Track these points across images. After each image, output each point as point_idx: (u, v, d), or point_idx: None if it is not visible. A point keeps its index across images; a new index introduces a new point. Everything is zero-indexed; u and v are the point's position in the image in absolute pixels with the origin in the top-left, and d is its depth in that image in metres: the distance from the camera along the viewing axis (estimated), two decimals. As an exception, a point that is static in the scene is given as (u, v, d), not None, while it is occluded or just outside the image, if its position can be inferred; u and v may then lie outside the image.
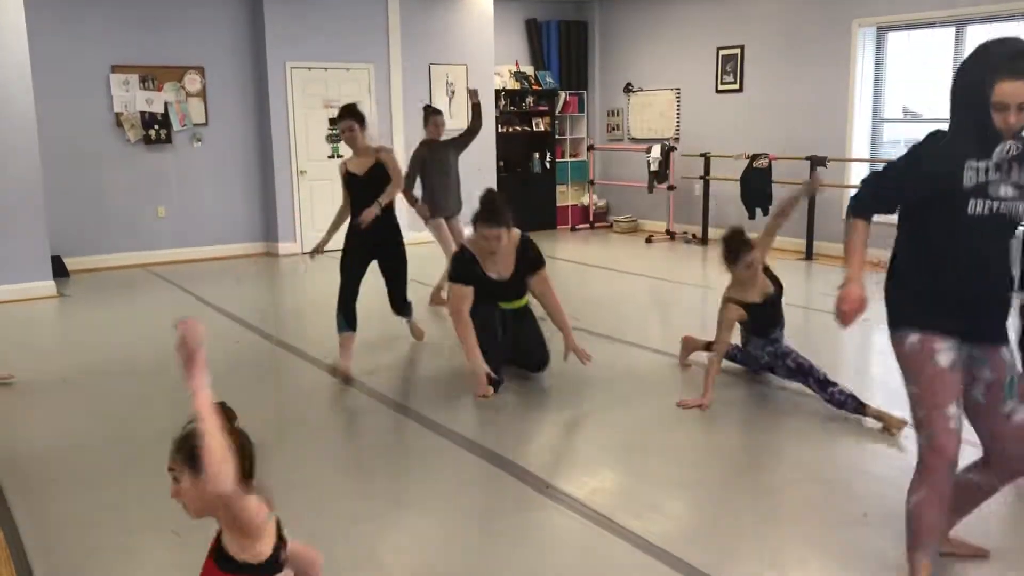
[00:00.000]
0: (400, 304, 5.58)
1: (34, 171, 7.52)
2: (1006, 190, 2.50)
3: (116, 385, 5.13)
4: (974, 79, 2.46)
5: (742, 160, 9.71)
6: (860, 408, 4.25)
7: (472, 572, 2.99)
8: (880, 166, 9.70)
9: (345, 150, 5.58)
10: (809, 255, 9.19)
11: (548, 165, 11.97)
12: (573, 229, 11.99)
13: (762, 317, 4.68)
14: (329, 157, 10.10)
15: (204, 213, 9.71)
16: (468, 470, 3.89)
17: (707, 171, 10.32)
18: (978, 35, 8.17)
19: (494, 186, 11.22)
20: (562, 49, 12.06)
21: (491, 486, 3.72)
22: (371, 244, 5.31)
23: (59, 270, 8.31)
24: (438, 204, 7.05)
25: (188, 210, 9.62)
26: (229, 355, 5.64)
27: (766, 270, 4.82)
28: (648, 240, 10.71)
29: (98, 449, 4.13)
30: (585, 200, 12.26)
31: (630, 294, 7.67)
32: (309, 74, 9.86)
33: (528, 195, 11.76)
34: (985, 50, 2.47)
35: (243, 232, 9.96)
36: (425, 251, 7.51)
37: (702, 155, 10.34)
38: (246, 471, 1.90)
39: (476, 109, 7.11)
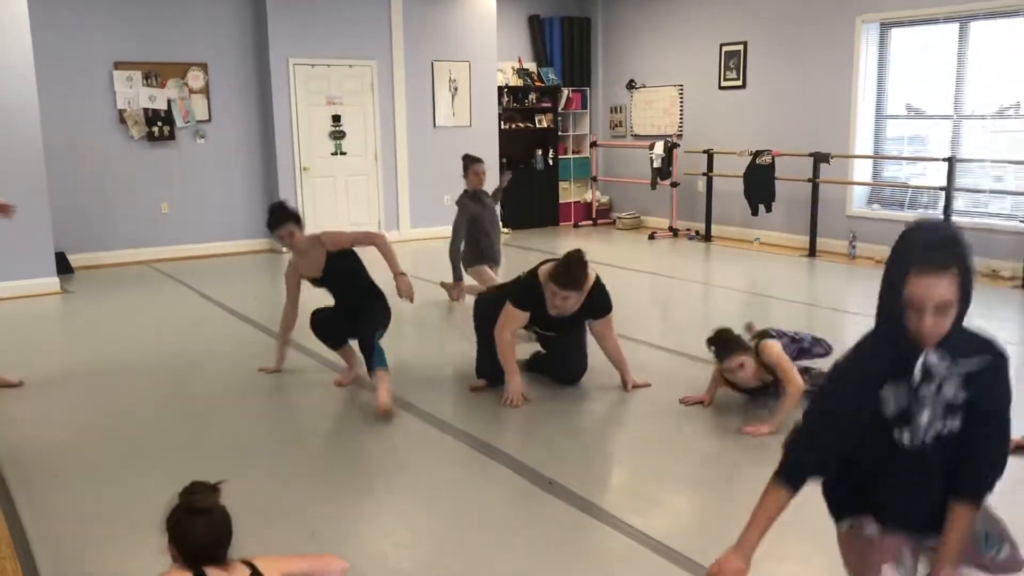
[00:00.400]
0: (365, 347, 4.64)
1: (38, 167, 7.53)
2: (932, 415, 2.06)
3: (119, 381, 5.14)
4: (890, 274, 2.01)
5: (745, 157, 9.70)
6: None
7: (473, 567, 2.99)
8: (882, 162, 9.53)
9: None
10: (812, 252, 9.18)
11: (551, 162, 11.96)
12: (576, 226, 11.99)
13: (758, 393, 4.46)
14: (332, 154, 10.11)
15: (207, 210, 9.72)
16: (468, 465, 3.89)
17: (710, 168, 10.31)
18: (982, 31, 8.15)
19: (497, 183, 11.25)
20: (565, 46, 12.05)
21: (493, 482, 3.72)
22: (347, 323, 4.85)
23: (63, 266, 8.33)
24: (484, 254, 6.82)
25: (191, 207, 9.63)
26: (239, 363, 5.64)
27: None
28: (651, 237, 10.71)
29: (101, 444, 4.14)
30: (588, 197, 12.25)
31: (633, 291, 7.67)
32: (312, 71, 9.86)
33: (531, 192, 11.76)
34: (904, 235, 2.00)
35: (246, 229, 9.97)
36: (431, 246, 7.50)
37: (705, 151, 10.33)
38: (222, 552, 2.14)
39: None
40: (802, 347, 4.50)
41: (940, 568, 2.09)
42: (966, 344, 2.05)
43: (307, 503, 3.49)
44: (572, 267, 4.32)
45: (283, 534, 3.23)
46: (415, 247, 10.27)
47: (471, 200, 6.79)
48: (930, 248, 1.93)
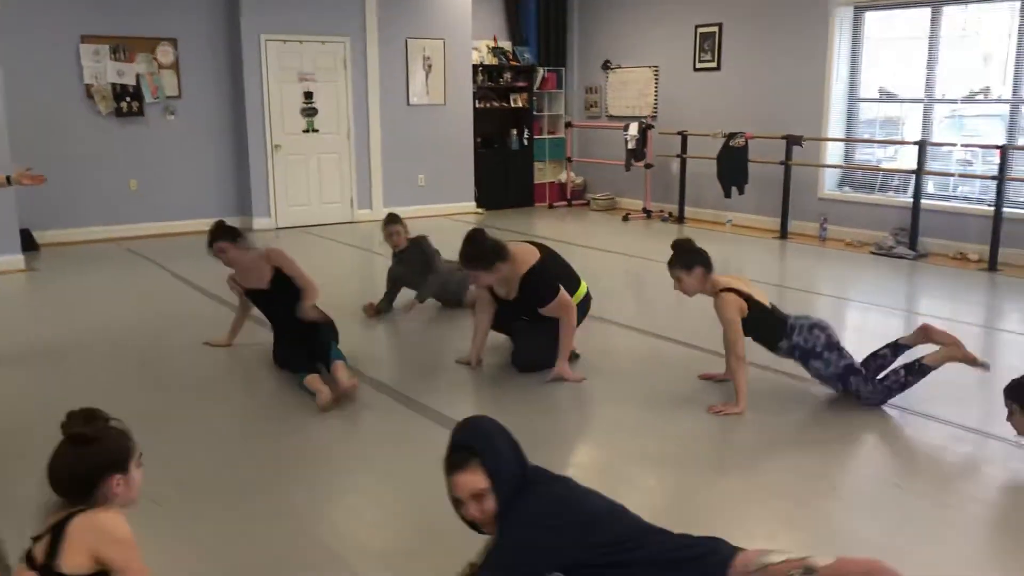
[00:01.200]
0: (323, 356, 4.64)
1: (1, 143, 7.38)
2: None
3: (86, 360, 5.07)
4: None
5: (719, 139, 9.72)
6: (923, 369, 4.07)
7: (445, 547, 3.00)
8: (854, 145, 9.66)
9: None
10: (784, 234, 9.24)
11: (526, 142, 11.93)
12: (551, 206, 11.98)
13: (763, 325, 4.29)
14: (304, 132, 10.01)
15: (177, 187, 9.59)
16: (442, 447, 3.88)
17: (684, 149, 10.33)
18: (955, 16, 8.21)
19: (471, 162, 11.21)
20: (540, 25, 11.98)
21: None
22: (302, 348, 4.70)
23: (28, 244, 8.20)
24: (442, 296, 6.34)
25: (161, 184, 9.50)
26: (206, 336, 5.59)
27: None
28: (625, 218, 10.72)
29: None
30: (563, 177, 12.24)
31: (606, 272, 7.68)
32: (284, 47, 9.74)
33: (505, 172, 11.73)
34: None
35: (217, 206, 9.85)
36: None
37: (679, 133, 10.34)
38: (123, 464, 2.04)
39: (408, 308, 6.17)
40: (846, 368, 4.16)
41: None
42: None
43: (277, 483, 3.47)
44: (465, 247, 4.51)
45: (251, 513, 3.22)
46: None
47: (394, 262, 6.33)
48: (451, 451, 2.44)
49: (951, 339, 4.15)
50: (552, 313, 4.61)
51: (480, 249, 4.51)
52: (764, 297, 4.33)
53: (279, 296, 4.76)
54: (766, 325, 4.25)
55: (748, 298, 4.22)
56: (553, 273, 4.69)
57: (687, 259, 4.27)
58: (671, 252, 4.32)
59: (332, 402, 4.23)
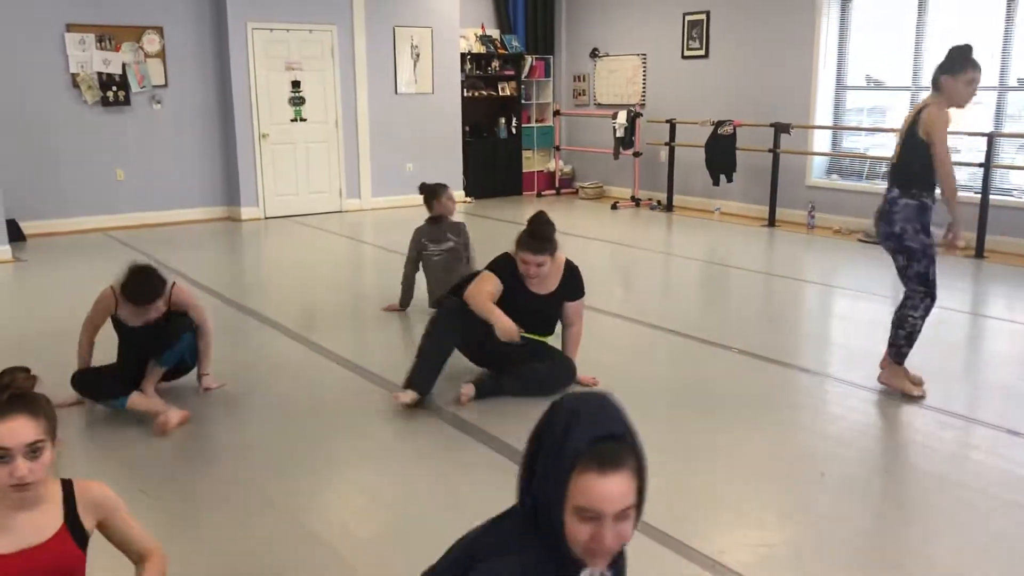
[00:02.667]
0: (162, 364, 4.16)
1: (-13, 132, 7.33)
2: None
3: (73, 351, 5.05)
4: (548, 462, 1.51)
5: (707, 127, 9.73)
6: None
7: (432, 533, 3.00)
8: (841, 133, 9.64)
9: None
10: (772, 222, 9.27)
11: (514, 130, 11.91)
12: (539, 195, 11.97)
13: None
14: (292, 121, 9.96)
15: (164, 177, 9.54)
16: (428, 434, 3.90)
17: (672, 138, 10.33)
18: (941, 3, 8.23)
19: (460, 151, 11.19)
20: (528, 13, 11.95)
21: (452, 450, 3.73)
22: (140, 352, 4.17)
23: (14, 234, 8.15)
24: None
25: (148, 173, 9.45)
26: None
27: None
28: (613, 207, 10.73)
29: (56, 413, 4.07)
30: (551, 166, 12.23)
31: (595, 261, 7.69)
32: (271, 35, 9.68)
33: (494, 160, 11.72)
34: (570, 418, 1.51)
35: (204, 196, 9.82)
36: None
37: (668, 121, 10.34)
38: (51, 432, 1.86)
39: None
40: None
41: None
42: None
43: (266, 472, 3.48)
44: (541, 228, 4.11)
45: (239, 503, 3.22)
46: (377, 216, 10.21)
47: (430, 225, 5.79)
48: (601, 444, 1.49)
49: None
50: (576, 311, 4.35)
51: (553, 231, 4.12)
52: None
53: (151, 340, 4.12)
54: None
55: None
56: None
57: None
58: (963, 55, 4.04)
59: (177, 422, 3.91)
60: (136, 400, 3.97)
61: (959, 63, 3.99)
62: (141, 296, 3.98)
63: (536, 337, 4.34)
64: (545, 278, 4.22)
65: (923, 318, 4.16)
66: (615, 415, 1.53)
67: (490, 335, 4.09)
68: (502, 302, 4.15)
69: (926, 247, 4.12)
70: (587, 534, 1.46)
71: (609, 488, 1.46)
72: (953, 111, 4.06)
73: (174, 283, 4.18)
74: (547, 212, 4.24)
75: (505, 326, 4.04)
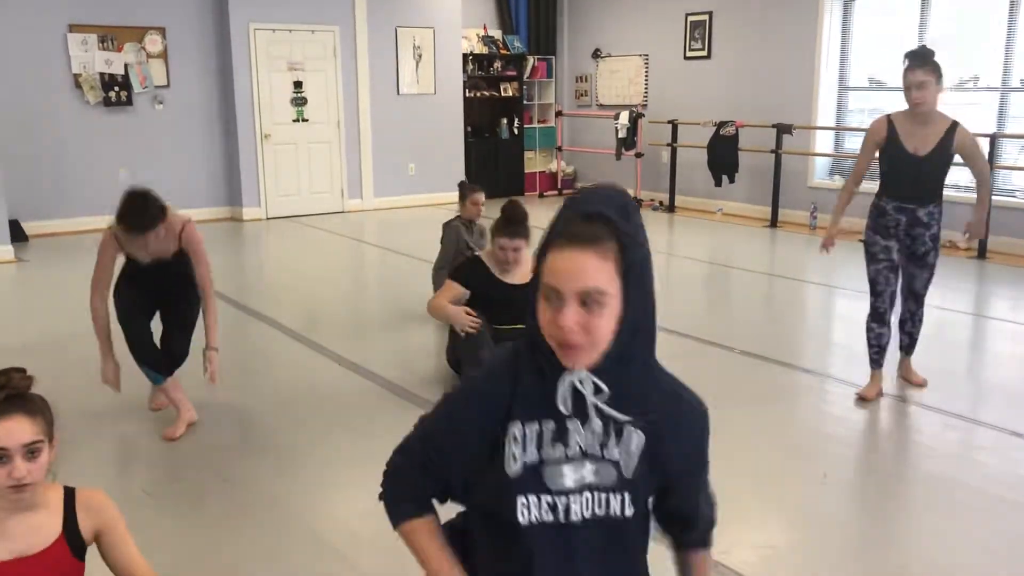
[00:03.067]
0: (175, 355, 3.99)
1: (-11, 133, 7.34)
2: (579, 474, 1.40)
3: (77, 351, 5.06)
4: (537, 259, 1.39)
5: (709, 127, 9.73)
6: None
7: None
8: (844, 134, 9.61)
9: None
10: (774, 222, 9.26)
11: (516, 131, 11.91)
12: (541, 195, 11.97)
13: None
14: (294, 121, 9.96)
15: (166, 177, 9.50)
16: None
17: (674, 138, 10.33)
18: (944, 3, 8.22)
19: (462, 152, 11.19)
20: (531, 13, 11.95)
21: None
22: (155, 296, 4.01)
23: (17, 235, 8.15)
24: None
25: (150, 174, 9.40)
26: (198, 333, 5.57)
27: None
28: (615, 207, 10.71)
29: (59, 415, 4.07)
30: (553, 166, 12.23)
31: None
32: (273, 36, 9.69)
33: (496, 161, 11.71)
34: (568, 202, 1.41)
35: (206, 196, 9.82)
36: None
37: (670, 122, 10.34)
38: (49, 433, 1.84)
39: None
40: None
41: None
42: (652, 385, 1.46)
43: (269, 473, 3.48)
44: (515, 213, 4.20)
45: (243, 503, 3.22)
46: (379, 216, 10.21)
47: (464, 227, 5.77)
48: (570, 223, 1.34)
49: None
50: None
51: (526, 217, 4.17)
52: None
53: (164, 282, 3.95)
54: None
55: None
56: None
57: (938, 68, 3.94)
58: (922, 55, 3.99)
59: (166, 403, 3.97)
60: (171, 387, 3.91)
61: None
62: (139, 222, 3.65)
63: (518, 327, 4.33)
64: (520, 266, 4.25)
65: (867, 323, 4.18)
66: (609, 197, 1.38)
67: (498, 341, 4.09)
68: (478, 301, 4.20)
69: (867, 247, 4.17)
70: (549, 317, 1.33)
71: (568, 263, 1.30)
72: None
73: (190, 220, 3.90)
74: (525, 205, 4.28)
75: (458, 319, 4.11)
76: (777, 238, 8.79)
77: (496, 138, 11.81)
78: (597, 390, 1.36)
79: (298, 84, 9.92)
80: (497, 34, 11.84)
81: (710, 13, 10.12)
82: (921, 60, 3.86)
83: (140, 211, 3.68)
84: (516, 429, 1.39)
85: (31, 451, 1.77)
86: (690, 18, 10.35)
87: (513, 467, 1.39)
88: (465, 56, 11.21)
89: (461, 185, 5.92)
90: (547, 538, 1.40)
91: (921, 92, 3.86)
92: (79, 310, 5.99)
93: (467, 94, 11.28)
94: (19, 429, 1.75)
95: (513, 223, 4.18)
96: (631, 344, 1.38)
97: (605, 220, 1.33)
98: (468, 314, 4.11)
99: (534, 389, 1.39)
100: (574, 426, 1.39)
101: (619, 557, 1.46)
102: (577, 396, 1.37)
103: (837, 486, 3.35)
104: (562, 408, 1.37)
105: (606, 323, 1.33)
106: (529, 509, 1.39)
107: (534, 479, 1.39)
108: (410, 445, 1.57)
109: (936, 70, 3.84)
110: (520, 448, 1.39)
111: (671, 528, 1.61)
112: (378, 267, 8.01)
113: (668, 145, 10.42)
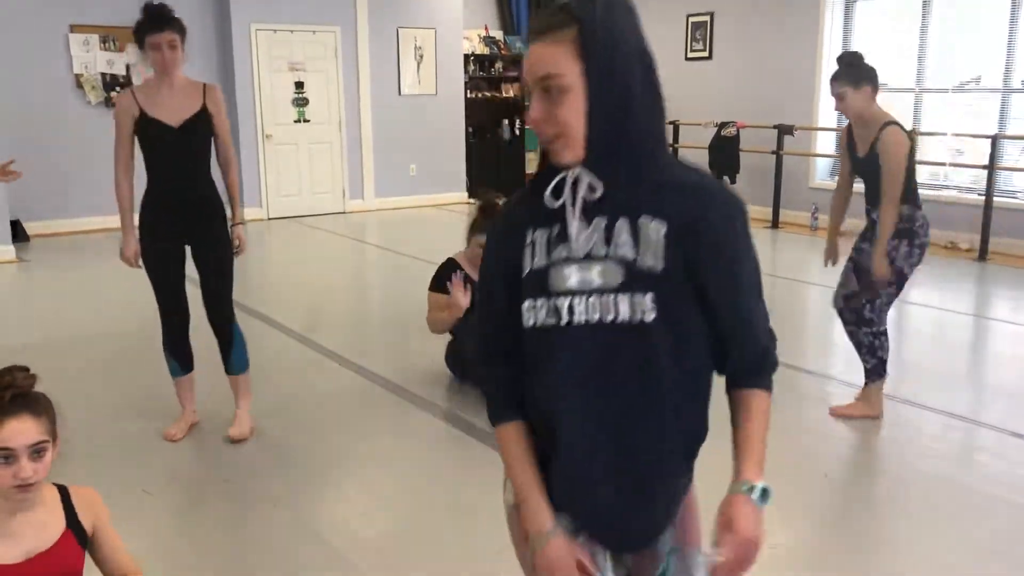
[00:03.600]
0: (222, 317, 3.78)
1: (-9, 133, 7.34)
2: (584, 275, 1.33)
3: (78, 350, 5.06)
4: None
5: (710, 128, 9.73)
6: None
7: (437, 534, 3.01)
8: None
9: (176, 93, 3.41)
10: (775, 223, 9.26)
11: (517, 132, 11.90)
12: (542, 196, 11.96)
13: None
14: (295, 121, 9.97)
15: (168, 177, 9.54)
16: (432, 434, 3.90)
17: (676, 139, 10.32)
18: (946, 3, 8.22)
19: (463, 152, 11.19)
20: (532, 14, 11.94)
21: (456, 449, 3.73)
22: (181, 225, 3.66)
23: (18, 234, 8.16)
24: None
25: (151, 174, 9.44)
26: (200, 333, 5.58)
27: None
28: (616, 208, 10.71)
29: (61, 414, 4.07)
30: (554, 167, 12.21)
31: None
32: (274, 36, 9.69)
33: (497, 162, 11.71)
34: None
35: (208, 197, 9.81)
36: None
37: (671, 123, 10.33)
38: (52, 432, 1.84)
39: None
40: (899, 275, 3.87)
41: (747, 472, 1.44)
42: (665, 172, 1.37)
43: (269, 473, 3.48)
44: (490, 210, 4.21)
45: (245, 503, 3.22)
46: (380, 217, 10.21)
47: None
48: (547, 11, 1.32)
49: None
50: None
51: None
52: None
53: (187, 147, 3.68)
54: (908, 177, 3.80)
55: (912, 143, 3.80)
56: None
57: (855, 73, 3.80)
58: (838, 69, 3.85)
59: (185, 433, 3.81)
60: (184, 384, 3.84)
61: None
62: (158, 14, 3.50)
63: None
64: None
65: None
66: None
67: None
68: None
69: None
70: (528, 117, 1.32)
71: (528, 58, 1.31)
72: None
73: (216, 86, 3.75)
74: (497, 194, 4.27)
75: (454, 304, 4.06)
76: (778, 239, 8.79)
77: (497, 139, 11.80)
78: (591, 188, 1.32)
79: (299, 85, 9.92)
80: (498, 35, 11.84)
81: (711, 14, 10.12)
82: (835, 74, 3.86)
83: (158, 8, 3.54)
84: (529, 237, 1.38)
85: (36, 451, 1.77)
86: (691, 19, 10.35)
87: (524, 273, 1.38)
88: (466, 57, 11.21)
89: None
90: (557, 344, 1.35)
91: (841, 103, 3.87)
92: (80, 310, 6.02)
93: (468, 95, 11.28)
94: (25, 430, 1.75)
95: (490, 219, 4.18)
96: (617, 134, 1.31)
97: (563, 6, 1.29)
98: (457, 288, 4.06)
99: (543, 199, 1.36)
100: (577, 227, 1.33)
101: (642, 371, 1.34)
102: (575, 194, 1.33)
103: (838, 486, 3.34)
104: (547, 203, 1.34)
105: (567, 110, 1.29)
106: (535, 312, 1.36)
107: (539, 282, 1.36)
108: (481, 346, 1.52)
109: (851, 78, 3.80)
110: (530, 254, 1.37)
111: (720, 362, 1.44)
112: (379, 267, 8.01)
113: (670, 146, 10.39)
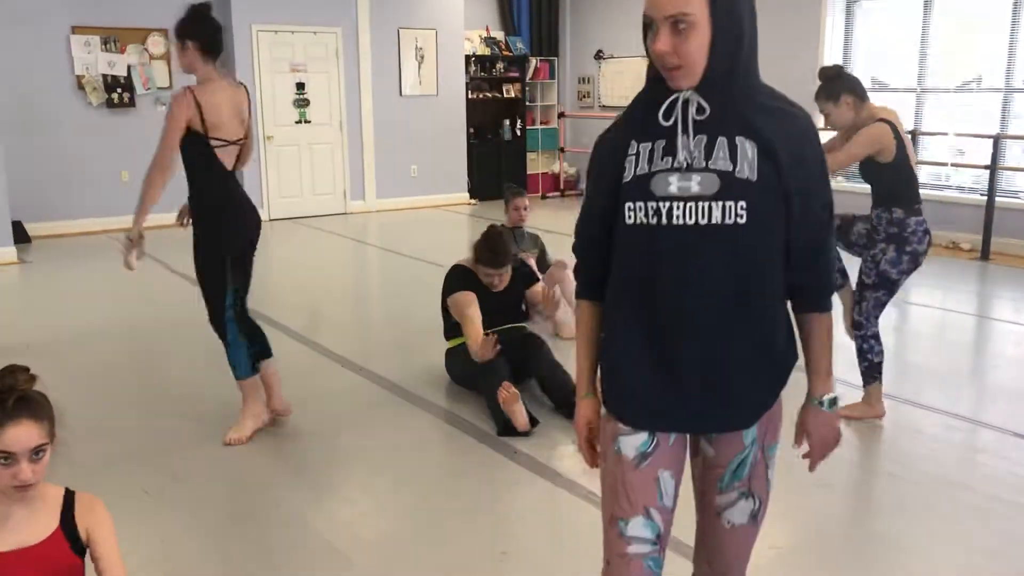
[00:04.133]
0: (210, 320, 3.89)
1: (-8, 134, 7.35)
2: (684, 183, 1.52)
3: (80, 352, 5.07)
4: None
5: (712, 128, 9.72)
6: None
7: (438, 535, 3.01)
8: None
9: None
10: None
11: (518, 132, 11.91)
12: (543, 197, 11.96)
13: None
14: (296, 122, 9.97)
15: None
16: (433, 435, 3.90)
17: (677, 139, 10.32)
18: (947, 4, 8.21)
19: (464, 153, 11.19)
20: (533, 15, 11.95)
21: (457, 452, 3.73)
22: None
23: (20, 236, 8.16)
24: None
25: (153, 175, 9.45)
26: (202, 332, 5.59)
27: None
28: (618, 208, 10.70)
29: (63, 415, 4.07)
30: (555, 168, 12.22)
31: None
32: (275, 37, 9.69)
33: (498, 162, 11.71)
34: None
35: (209, 198, 9.82)
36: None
37: (672, 123, 10.33)
38: (51, 433, 1.84)
39: None
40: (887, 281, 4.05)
41: (817, 388, 1.77)
42: (757, 98, 1.59)
43: (270, 473, 3.48)
44: (497, 244, 4.28)
45: (246, 504, 3.22)
46: (381, 218, 10.21)
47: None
48: None
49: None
50: (535, 293, 4.51)
51: (505, 248, 4.32)
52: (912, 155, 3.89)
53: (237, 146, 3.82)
54: (905, 180, 3.81)
55: (900, 139, 3.74)
56: None
57: (831, 88, 3.80)
58: (819, 87, 3.85)
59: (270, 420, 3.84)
60: (250, 386, 3.78)
61: None
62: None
63: (516, 326, 4.49)
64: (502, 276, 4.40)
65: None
66: None
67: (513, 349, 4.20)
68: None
69: None
70: (650, 46, 1.51)
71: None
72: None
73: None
74: (499, 228, 4.48)
75: (481, 351, 3.98)
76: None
77: (499, 139, 11.81)
78: (700, 109, 1.52)
79: (300, 85, 9.93)
80: (499, 35, 11.84)
81: (712, 14, 10.11)
82: (816, 94, 3.89)
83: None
84: (633, 149, 1.58)
85: (36, 453, 1.78)
86: (692, 19, 10.34)
87: (626, 179, 1.57)
88: (467, 57, 11.22)
89: (506, 189, 5.84)
90: (657, 237, 1.54)
91: (829, 119, 3.93)
92: (83, 311, 6.02)
93: (469, 95, 11.29)
94: (26, 435, 1.77)
95: (498, 254, 4.28)
96: (728, 65, 1.52)
97: None
98: (487, 346, 3.98)
99: (649, 116, 1.56)
100: (683, 141, 1.53)
101: (737, 268, 1.54)
102: (685, 114, 1.53)
103: (839, 487, 3.34)
104: (662, 121, 1.54)
105: (695, 45, 1.49)
106: (635, 212, 1.56)
107: (642, 187, 1.55)
108: (577, 236, 1.74)
109: (829, 94, 3.81)
110: (634, 163, 1.57)
111: (790, 288, 1.65)
112: (380, 269, 8.01)
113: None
